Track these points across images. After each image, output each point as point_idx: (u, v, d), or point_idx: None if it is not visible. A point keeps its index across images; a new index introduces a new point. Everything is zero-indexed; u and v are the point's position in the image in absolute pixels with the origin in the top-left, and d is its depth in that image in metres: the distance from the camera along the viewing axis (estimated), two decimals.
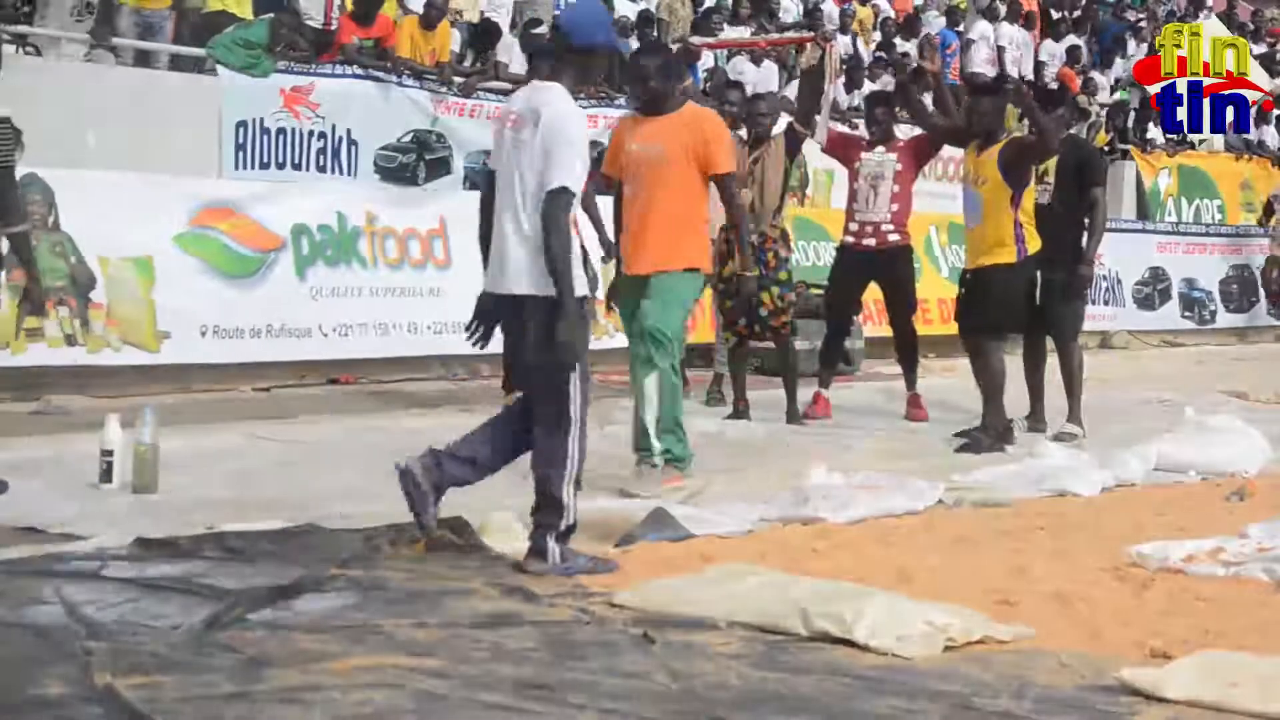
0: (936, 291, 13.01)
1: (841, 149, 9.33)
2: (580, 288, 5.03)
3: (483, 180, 5.31)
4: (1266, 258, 16.91)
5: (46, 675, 3.63)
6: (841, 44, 14.58)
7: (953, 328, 8.96)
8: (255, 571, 4.76)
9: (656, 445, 6.58)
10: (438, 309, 10.31)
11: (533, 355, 5.04)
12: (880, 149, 9.14)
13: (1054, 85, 15.78)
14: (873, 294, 9.84)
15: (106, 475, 6.17)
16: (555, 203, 4.97)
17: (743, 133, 8.92)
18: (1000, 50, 17.83)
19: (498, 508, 5.57)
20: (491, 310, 5.23)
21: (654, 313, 6.57)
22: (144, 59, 10.72)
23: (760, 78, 13.92)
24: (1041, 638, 4.27)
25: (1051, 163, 8.53)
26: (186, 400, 8.77)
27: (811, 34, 11.88)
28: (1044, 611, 4.58)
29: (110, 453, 6.17)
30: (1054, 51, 17.98)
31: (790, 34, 14.80)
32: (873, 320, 11.78)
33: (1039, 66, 17.65)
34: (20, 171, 7.46)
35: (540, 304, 4.99)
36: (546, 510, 5.03)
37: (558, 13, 5.94)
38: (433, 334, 10.30)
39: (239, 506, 5.79)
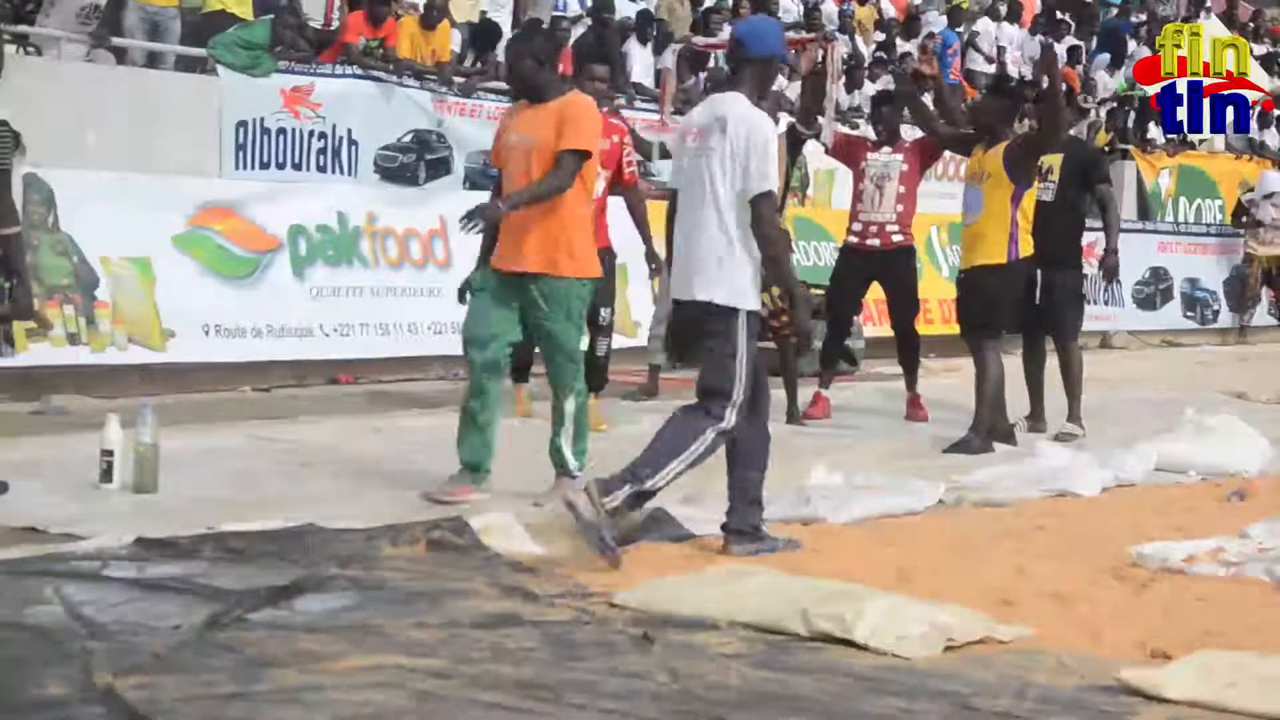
0: (937, 292, 13.00)
1: (846, 151, 9.34)
2: (753, 301, 5.24)
3: (670, 198, 5.60)
4: (1244, 256, 16.97)
5: (46, 675, 3.63)
6: (842, 44, 14.57)
7: (953, 328, 8.98)
8: (255, 571, 4.76)
9: (572, 462, 6.37)
10: (438, 309, 10.30)
11: (711, 360, 5.25)
12: (886, 150, 9.15)
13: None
14: (873, 294, 9.85)
15: (106, 475, 6.17)
16: (763, 207, 5.21)
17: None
18: (1001, 50, 17.86)
19: (498, 508, 5.57)
20: (683, 316, 5.43)
21: (566, 333, 6.24)
22: (151, 59, 10.72)
23: None
24: (1041, 638, 4.28)
25: (1056, 162, 8.54)
26: (186, 400, 8.77)
27: (813, 35, 11.88)
28: (1044, 611, 4.58)
29: (110, 453, 6.17)
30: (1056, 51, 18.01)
31: (791, 34, 14.78)
32: (873, 320, 11.77)
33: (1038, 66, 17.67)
34: (21, 171, 7.47)
35: (724, 312, 5.20)
36: (642, 474, 5.13)
37: (737, 23, 5.88)
38: (433, 334, 10.29)
39: (239, 506, 5.78)
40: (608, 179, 8.36)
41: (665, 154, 9.33)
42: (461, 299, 6.43)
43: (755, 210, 5.21)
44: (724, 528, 5.41)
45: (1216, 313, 16.99)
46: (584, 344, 6.45)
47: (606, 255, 8.56)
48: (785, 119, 9.16)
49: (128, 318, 8.96)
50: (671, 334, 5.49)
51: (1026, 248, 8.11)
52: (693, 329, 5.33)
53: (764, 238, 5.23)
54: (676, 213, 5.47)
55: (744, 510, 5.39)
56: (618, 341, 10.85)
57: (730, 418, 5.21)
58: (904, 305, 9.29)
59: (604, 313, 8.51)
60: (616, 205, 8.61)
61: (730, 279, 5.22)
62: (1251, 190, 17.32)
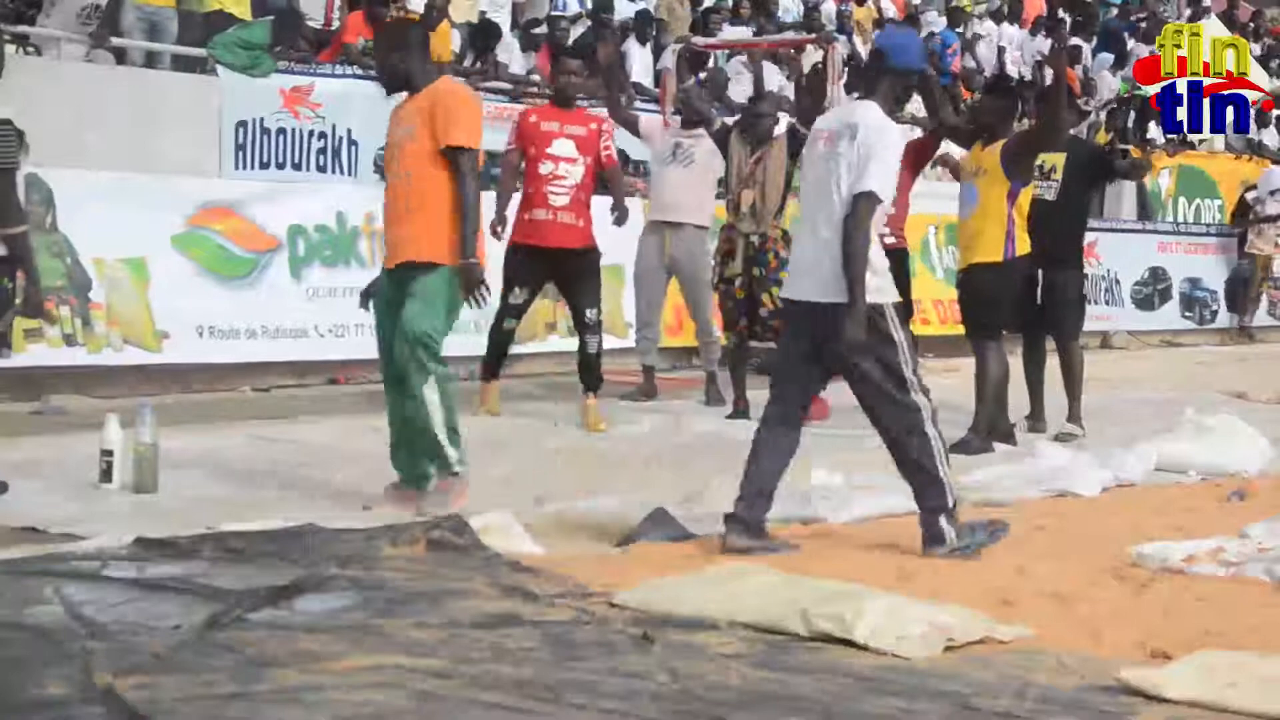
0: (931, 293, 13.00)
1: None
2: (892, 293, 5.38)
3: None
4: (1244, 254, 16.92)
5: (46, 675, 3.63)
6: (841, 45, 14.58)
7: (949, 329, 8.99)
8: (255, 571, 4.76)
9: (453, 454, 5.97)
10: None
11: (862, 359, 5.33)
12: None
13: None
14: None
15: (106, 475, 6.17)
16: (861, 205, 5.28)
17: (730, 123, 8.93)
18: (1000, 51, 17.86)
19: (498, 508, 5.57)
20: (805, 315, 5.47)
21: (415, 315, 5.85)
22: (151, 59, 10.73)
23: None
24: (1041, 638, 4.27)
25: (1059, 160, 8.54)
26: (186, 400, 8.77)
27: (813, 36, 11.89)
28: (1044, 611, 4.58)
29: (110, 453, 6.17)
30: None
31: (791, 35, 14.81)
32: None
33: (1039, 66, 17.68)
34: (24, 171, 7.46)
35: (872, 309, 5.28)
36: (929, 493, 5.33)
37: (878, 35, 6.07)
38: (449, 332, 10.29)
39: (239, 506, 5.78)
40: (589, 165, 8.45)
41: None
42: (364, 305, 6.25)
43: (853, 206, 5.29)
44: (728, 517, 5.40)
45: (1215, 313, 16.99)
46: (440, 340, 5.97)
47: (591, 254, 8.64)
48: (785, 120, 9.17)
49: (125, 318, 8.95)
50: (798, 334, 5.58)
51: (1023, 245, 8.10)
52: (833, 329, 5.32)
53: (848, 234, 5.28)
54: (803, 215, 5.61)
55: (752, 500, 5.42)
56: (613, 343, 10.91)
57: (920, 399, 5.34)
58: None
59: (590, 313, 8.58)
60: (599, 206, 8.68)
61: (870, 278, 5.30)
62: (1254, 187, 17.31)
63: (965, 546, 5.33)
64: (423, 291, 5.89)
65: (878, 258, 5.37)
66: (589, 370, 8.65)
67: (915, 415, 5.33)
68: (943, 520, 5.33)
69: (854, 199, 5.29)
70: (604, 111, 9.25)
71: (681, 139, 9.26)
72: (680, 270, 9.28)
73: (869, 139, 5.33)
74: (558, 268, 8.52)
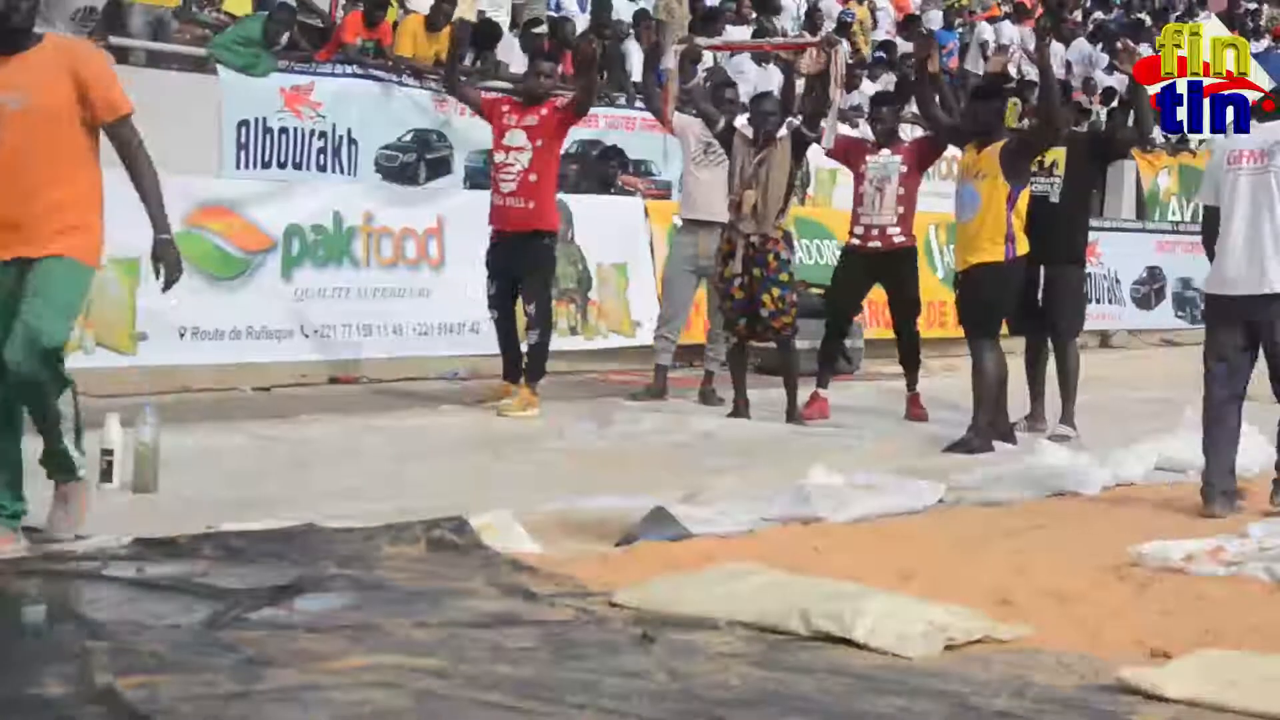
0: (928, 294, 12.97)
1: (845, 153, 9.34)
2: None
3: (1209, 214, 6.68)
4: None
5: (46, 675, 3.63)
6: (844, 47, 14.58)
7: (946, 331, 8.98)
8: (255, 571, 4.76)
9: (78, 456, 5.33)
10: (430, 309, 10.29)
11: None
12: (885, 151, 9.16)
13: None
14: (873, 295, 9.87)
15: (106, 475, 6.17)
16: None
17: (746, 129, 8.93)
18: (1000, 50, 17.85)
19: (498, 508, 5.57)
20: (1243, 309, 6.38)
21: (46, 318, 5.00)
22: (155, 59, 10.72)
23: (762, 77, 13.94)
24: (1041, 638, 4.28)
25: (1060, 156, 8.52)
26: (186, 400, 8.76)
27: (816, 40, 11.88)
28: (1044, 611, 4.58)
29: (110, 453, 6.17)
30: (1057, 51, 18.00)
31: (794, 38, 14.80)
32: (868, 321, 11.76)
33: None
34: None
35: None
36: None
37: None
38: (439, 334, 10.29)
39: (239, 506, 5.78)
40: (539, 148, 8.73)
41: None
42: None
43: None
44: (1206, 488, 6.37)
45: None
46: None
47: (543, 240, 8.83)
48: (790, 121, 9.17)
49: (124, 318, 8.93)
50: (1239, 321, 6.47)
51: (1023, 246, 8.10)
52: (1272, 313, 6.33)
53: None
54: (1227, 224, 6.41)
55: (1224, 476, 6.38)
56: (617, 341, 10.90)
57: None
58: (904, 306, 9.31)
59: (529, 308, 8.76)
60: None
61: None
62: None
63: None
64: (48, 287, 5.06)
65: None
66: (528, 360, 8.80)
67: None
68: None
69: None
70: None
71: (712, 140, 9.31)
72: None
73: None
74: (513, 255, 8.76)
